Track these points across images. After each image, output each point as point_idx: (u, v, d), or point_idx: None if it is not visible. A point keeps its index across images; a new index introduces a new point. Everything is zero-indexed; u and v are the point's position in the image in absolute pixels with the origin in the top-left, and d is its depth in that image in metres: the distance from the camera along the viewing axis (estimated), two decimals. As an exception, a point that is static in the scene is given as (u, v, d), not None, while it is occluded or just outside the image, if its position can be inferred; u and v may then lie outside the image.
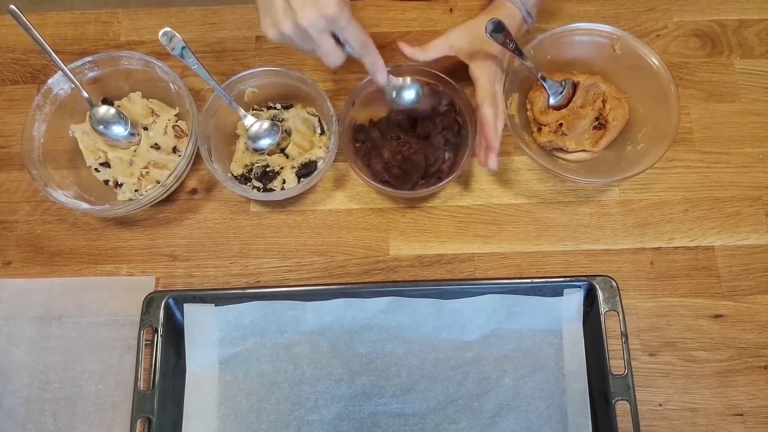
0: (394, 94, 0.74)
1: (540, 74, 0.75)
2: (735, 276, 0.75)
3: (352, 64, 0.83)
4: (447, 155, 0.76)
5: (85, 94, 0.76)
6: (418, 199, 0.78)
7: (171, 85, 0.77)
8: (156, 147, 0.78)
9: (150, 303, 0.70)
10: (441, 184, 0.74)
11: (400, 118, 0.78)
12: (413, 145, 0.76)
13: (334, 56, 0.63)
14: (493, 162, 0.71)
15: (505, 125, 0.74)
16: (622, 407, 0.65)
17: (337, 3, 0.59)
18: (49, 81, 0.76)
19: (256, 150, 0.77)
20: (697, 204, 0.78)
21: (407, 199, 0.79)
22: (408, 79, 0.74)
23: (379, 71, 0.67)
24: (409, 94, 0.75)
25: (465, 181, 0.79)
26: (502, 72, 0.74)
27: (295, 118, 0.79)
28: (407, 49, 0.73)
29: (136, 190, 0.77)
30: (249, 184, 0.77)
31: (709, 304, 0.74)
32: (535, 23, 0.76)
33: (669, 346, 0.73)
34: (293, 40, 0.62)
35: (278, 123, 0.77)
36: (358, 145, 0.78)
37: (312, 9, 0.59)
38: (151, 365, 0.68)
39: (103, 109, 0.76)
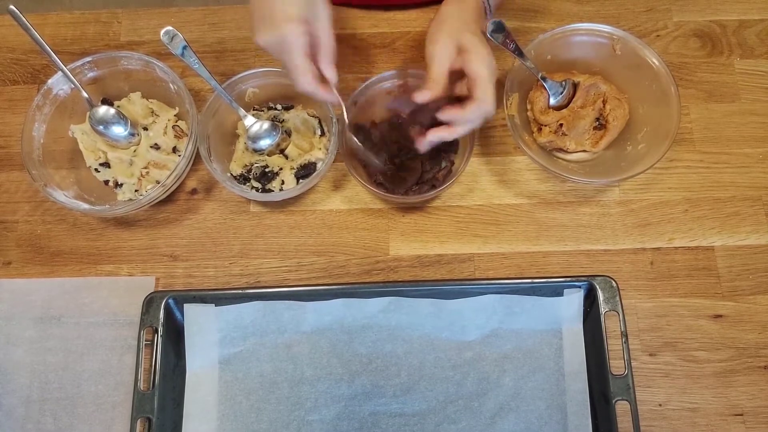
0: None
1: (540, 74, 0.75)
2: (735, 276, 0.75)
3: (353, 64, 0.84)
4: (443, 164, 0.76)
5: (85, 95, 0.76)
6: (411, 201, 0.78)
7: (171, 85, 0.77)
8: (156, 147, 0.78)
9: (150, 303, 0.70)
10: (434, 192, 0.74)
11: (402, 122, 0.77)
12: (411, 150, 0.76)
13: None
14: (426, 143, 0.69)
15: (505, 125, 0.73)
16: (622, 407, 0.65)
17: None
18: (49, 81, 0.76)
19: (255, 150, 0.77)
20: (697, 204, 0.78)
21: (399, 202, 0.79)
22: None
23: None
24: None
25: (465, 182, 0.79)
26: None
27: (296, 119, 0.79)
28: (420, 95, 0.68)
29: (136, 191, 0.77)
30: (248, 184, 0.77)
31: (709, 304, 0.74)
32: (492, 17, 0.73)
33: (669, 346, 0.73)
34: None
35: (278, 124, 0.77)
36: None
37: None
38: (151, 365, 0.68)
39: (103, 110, 0.76)
